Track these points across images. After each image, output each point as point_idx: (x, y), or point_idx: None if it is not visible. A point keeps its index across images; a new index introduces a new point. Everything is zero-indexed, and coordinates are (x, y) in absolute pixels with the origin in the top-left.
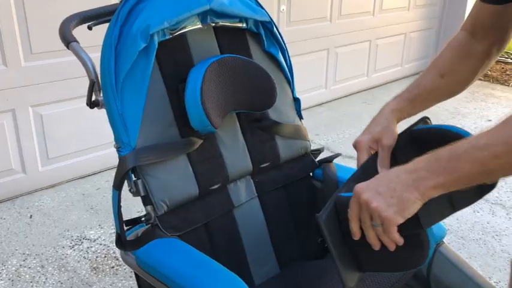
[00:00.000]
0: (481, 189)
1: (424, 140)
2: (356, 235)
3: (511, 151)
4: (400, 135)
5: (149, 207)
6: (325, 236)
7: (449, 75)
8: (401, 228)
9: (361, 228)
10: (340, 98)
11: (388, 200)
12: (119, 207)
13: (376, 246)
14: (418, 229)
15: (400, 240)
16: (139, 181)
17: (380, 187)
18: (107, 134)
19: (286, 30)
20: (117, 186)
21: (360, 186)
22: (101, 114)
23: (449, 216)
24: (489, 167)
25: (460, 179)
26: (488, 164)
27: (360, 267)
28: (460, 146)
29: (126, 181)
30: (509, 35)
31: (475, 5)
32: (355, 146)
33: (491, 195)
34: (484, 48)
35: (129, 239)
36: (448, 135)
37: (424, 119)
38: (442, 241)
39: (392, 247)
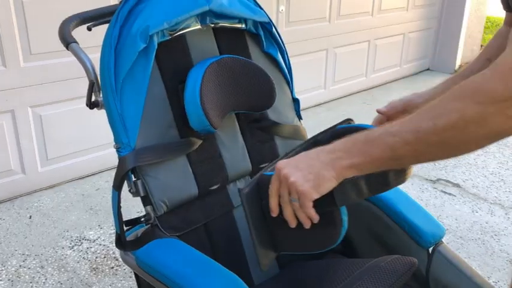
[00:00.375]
0: (396, 177)
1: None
2: (274, 211)
3: (419, 138)
4: (323, 132)
5: (149, 208)
6: (245, 211)
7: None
8: (317, 205)
9: (280, 206)
10: (339, 98)
11: (306, 175)
12: (119, 207)
13: (293, 223)
14: (332, 207)
15: (315, 217)
16: (139, 181)
17: (300, 163)
18: (106, 134)
19: (285, 31)
20: (117, 187)
21: (281, 162)
22: (100, 114)
23: (365, 198)
24: (398, 152)
25: (373, 161)
26: (398, 149)
27: (275, 248)
28: (375, 131)
29: (125, 181)
30: None
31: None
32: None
33: (490, 195)
34: None
35: (129, 239)
36: None
37: (347, 120)
38: (441, 241)
39: (307, 223)
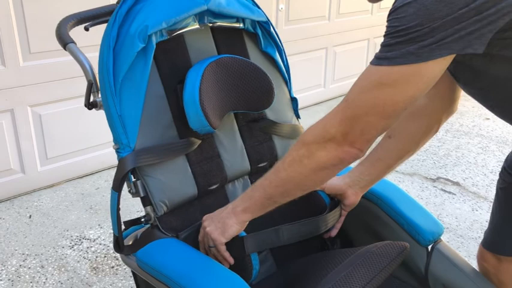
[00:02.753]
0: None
1: None
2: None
3: (277, 177)
4: None
5: (149, 208)
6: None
7: (396, 136)
8: (231, 251)
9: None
10: (339, 97)
11: (216, 224)
12: (118, 209)
13: (223, 263)
14: (243, 253)
15: (230, 259)
16: (138, 182)
17: (215, 216)
18: (106, 133)
19: (284, 29)
20: (117, 188)
21: (205, 216)
22: (100, 113)
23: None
24: (269, 191)
25: (256, 203)
26: (267, 189)
27: None
28: (259, 180)
29: (125, 182)
30: (457, 104)
31: None
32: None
33: (490, 194)
34: (436, 113)
35: (128, 239)
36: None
37: None
38: (440, 239)
39: (226, 265)
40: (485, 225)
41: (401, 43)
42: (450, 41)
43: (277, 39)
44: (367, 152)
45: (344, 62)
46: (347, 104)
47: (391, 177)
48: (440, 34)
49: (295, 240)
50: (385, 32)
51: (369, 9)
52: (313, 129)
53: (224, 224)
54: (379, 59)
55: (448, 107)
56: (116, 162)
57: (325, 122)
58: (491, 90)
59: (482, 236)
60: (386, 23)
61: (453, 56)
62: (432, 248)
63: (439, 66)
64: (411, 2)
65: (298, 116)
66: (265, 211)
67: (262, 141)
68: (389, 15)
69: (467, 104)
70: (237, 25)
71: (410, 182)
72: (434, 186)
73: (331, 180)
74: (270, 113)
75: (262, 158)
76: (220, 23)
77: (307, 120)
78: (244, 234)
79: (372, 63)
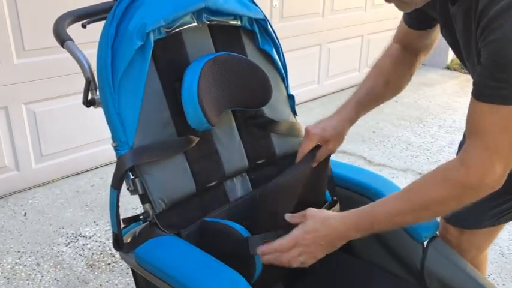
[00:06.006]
0: None
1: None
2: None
3: (413, 212)
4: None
5: (147, 205)
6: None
7: (393, 82)
8: (235, 251)
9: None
10: (333, 93)
11: (316, 247)
12: (117, 207)
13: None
14: (247, 253)
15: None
16: (137, 179)
17: (316, 240)
18: (101, 130)
19: (278, 26)
20: (116, 186)
21: (293, 241)
22: (95, 111)
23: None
24: (397, 223)
25: (374, 229)
26: (396, 222)
27: None
28: (377, 209)
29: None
30: (434, 44)
31: (402, 25)
32: (306, 133)
33: None
34: (415, 57)
35: (127, 237)
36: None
37: (316, 147)
38: (436, 234)
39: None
40: None
41: None
42: None
43: (274, 36)
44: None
45: (338, 59)
46: (492, 153)
47: (384, 173)
48: None
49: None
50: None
51: (363, 6)
52: (471, 177)
53: (331, 248)
54: (503, 99)
55: (426, 49)
56: (112, 159)
57: (482, 172)
58: None
59: None
60: (484, 44)
61: None
62: (428, 243)
63: None
64: None
65: (295, 113)
66: None
67: (260, 138)
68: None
69: (460, 100)
70: (234, 23)
71: (403, 178)
72: None
73: (324, 125)
74: (267, 111)
75: (260, 155)
76: (217, 20)
77: (301, 117)
78: (249, 234)
79: (498, 103)
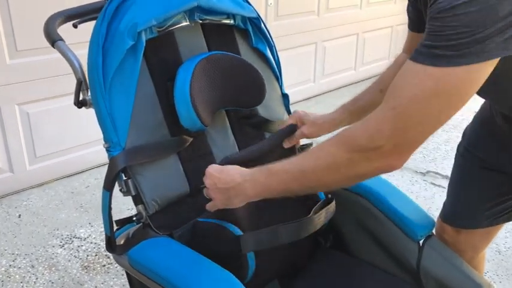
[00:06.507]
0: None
1: None
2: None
3: (304, 176)
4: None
5: (140, 207)
6: None
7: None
8: (228, 250)
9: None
10: (329, 91)
11: (220, 196)
12: (109, 209)
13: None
14: (239, 252)
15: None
16: (129, 181)
17: (222, 186)
18: (95, 131)
19: (274, 24)
20: (108, 187)
21: (211, 176)
22: (88, 111)
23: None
24: (289, 186)
25: (271, 191)
26: (289, 183)
27: None
28: (276, 167)
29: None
30: None
31: (408, 33)
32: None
33: None
34: None
35: (120, 238)
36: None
37: (292, 126)
38: (432, 233)
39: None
40: None
41: (463, 44)
42: (509, 41)
43: (268, 35)
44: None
45: (333, 57)
46: (397, 114)
47: None
48: (501, 34)
49: (294, 239)
50: (437, 30)
51: (358, 4)
52: (357, 137)
53: (229, 200)
54: (433, 58)
55: None
56: (105, 160)
57: (371, 131)
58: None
59: None
60: (435, 20)
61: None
62: (424, 242)
63: (492, 67)
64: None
65: (289, 112)
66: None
67: (254, 138)
68: (441, 11)
69: None
70: (227, 21)
71: (400, 176)
72: (424, 180)
73: (309, 112)
74: (261, 110)
75: None
76: (210, 19)
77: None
78: (241, 233)
79: (422, 62)
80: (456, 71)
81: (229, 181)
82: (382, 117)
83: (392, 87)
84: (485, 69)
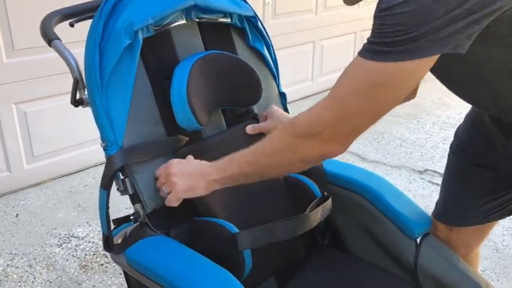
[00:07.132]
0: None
1: None
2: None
3: (256, 160)
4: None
5: (138, 206)
6: None
7: None
8: (223, 248)
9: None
10: (326, 90)
11: (183, 180)
12: (107, 208)
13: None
14: (235, 250)
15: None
16: (127, 179)
17: (184, 171)
18: (92, 130)
19: (271, 23)
20: (106, 186)
21: (174, 161)
22: (86, 110)
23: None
24: (244, 170)
25: (229, 177)
26: (244, 168)
27: None
28: (237, 153)
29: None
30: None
31: None
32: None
33: None
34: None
35: (118, 237)
36: None
37: (255, 116)
38: (429, 231)
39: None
40: None
41: (398, 42)
42: (444, 40)
43: (265, 34)
44: None
45: (331, 56)
46: (336, 103)
47: (378, 170)
48: (435, 33)
49: (290, 236)
50: (377, 28)
51: None
52: (299, 124)
53: (192, 185)
54: (372, 53)
55: (410, 96)
56: (103, 159)
57: (312, 118)
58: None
59: None
60: (377, 19)
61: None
62: (421, 240)
63: (429, 64)
64: (408, 0)
65: (287, 111)
66: (236, 184)
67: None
68: (381, 11)
69: (454, 97)
70: (224, 20)
71: (398, 175)
72: (422, 178)
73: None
74: (258, 109)
75: None
76: (207, 18)
77: (295, 115)
78: (237, 231)
79: (364, 57)
80: (392, 66)
81: (194, 166)
82: (324, 105)
83: (338, 78)
84: (422, 65)
